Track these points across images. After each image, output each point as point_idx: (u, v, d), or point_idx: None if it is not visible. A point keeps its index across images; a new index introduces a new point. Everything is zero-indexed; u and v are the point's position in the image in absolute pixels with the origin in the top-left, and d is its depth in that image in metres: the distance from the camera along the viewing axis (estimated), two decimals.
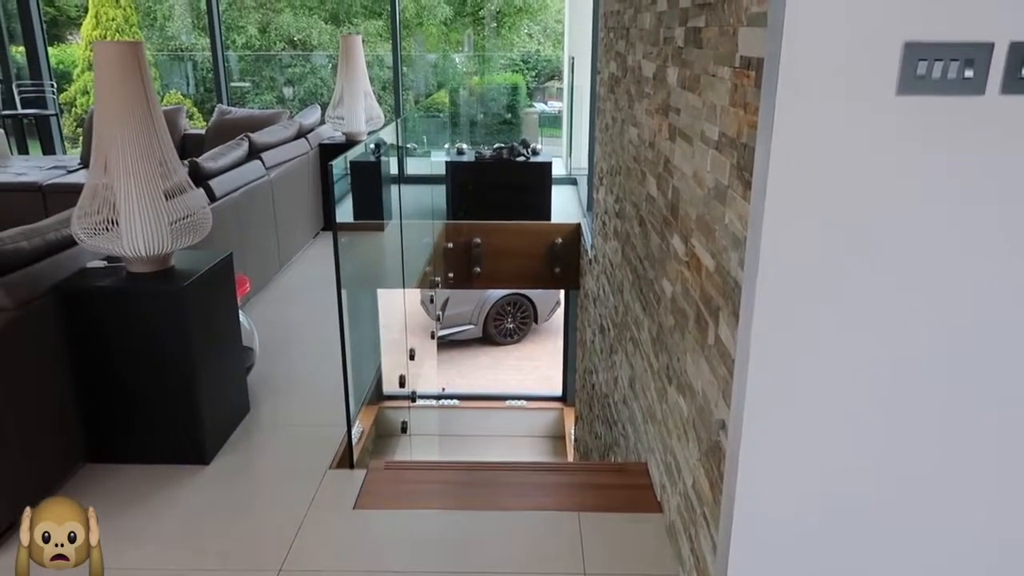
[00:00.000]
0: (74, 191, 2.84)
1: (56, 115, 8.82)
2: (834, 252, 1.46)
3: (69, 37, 14.42)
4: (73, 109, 12.41)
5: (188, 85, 13.23)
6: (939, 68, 1.36)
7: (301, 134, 6.15)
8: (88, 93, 12.27)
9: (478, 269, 6.17)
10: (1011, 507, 1.64)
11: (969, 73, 1.36)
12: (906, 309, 1.49)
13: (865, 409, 1.56)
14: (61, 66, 12.74)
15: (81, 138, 7.92)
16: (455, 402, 7.71)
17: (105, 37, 11.74)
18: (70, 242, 2.85)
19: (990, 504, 1.63)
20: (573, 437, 6.47)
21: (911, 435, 1.58)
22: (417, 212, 6.10)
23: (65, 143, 9.23)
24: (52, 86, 8.76)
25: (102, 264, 2.92)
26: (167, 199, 2.82)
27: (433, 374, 7.33)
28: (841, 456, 1.60)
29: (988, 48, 1.34)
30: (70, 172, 6.38)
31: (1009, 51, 1.34)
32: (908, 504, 1.63)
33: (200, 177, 4.19)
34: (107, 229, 2.77)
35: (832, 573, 1.70)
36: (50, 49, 9.32)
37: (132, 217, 2.73)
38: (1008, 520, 1.65)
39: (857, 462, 1.60)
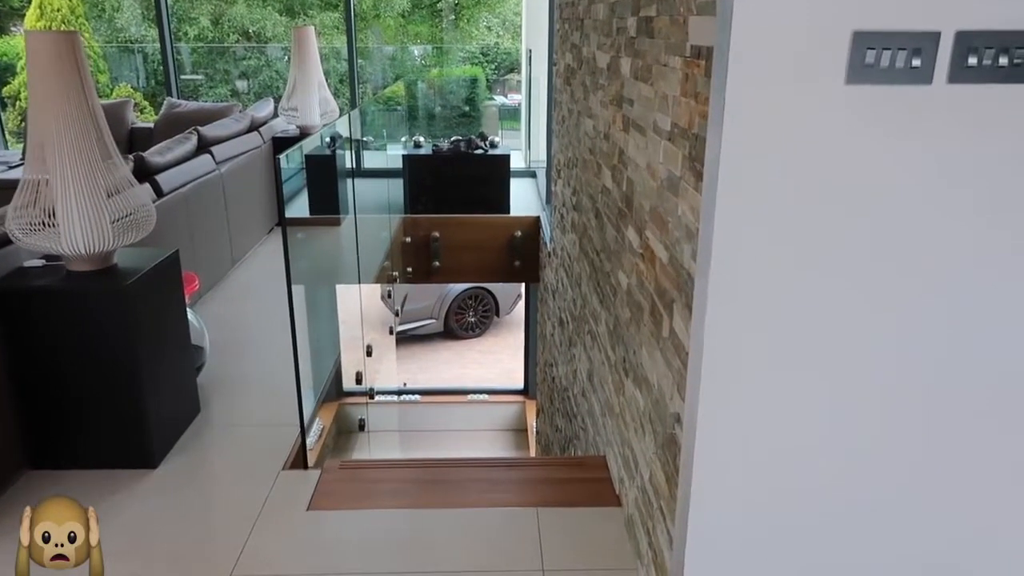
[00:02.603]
0: (15, 187, 2.73)
1: None
2: (786, 242, 1.45)
3: (12, 28, 13.94)
4: (17, 103, 12.00)
5: (138, 78, 12.89)
6: (887, 57, 1.35)
7: (253, 127, 6.03)
8: None
9: (437, 263, 6.12)
10: (975, 504, 1.65)
11: (916, 62, 1.35)
12: (859, 298, 1.48)
13: (820, 402, 1.56)
14: (5, 58, 12.32)
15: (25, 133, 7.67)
16: (416, 398, 7.65)
17: (51, 29, 11.36)
18: (5, 240, 2.73)
19: (949, 496, 1.64)
20: (535, 430, 6.46)
21: (868, 427, 1.58)
22: (374, 206, 6.02)
23: (9, 137, 8.93)
24: None
25: (40, 263, 2.81)
26: (109, 196, 2.72)
27: (393, 369, 7.25)
28: (796, 449, 1.59)
29: (935, 37, 1.34)
30: (11, 168, 6.17)
31: (955, 40, 1.34)
32: (864, 496, 1.63)
33: (147, 172, 4.07)
34: (44, 226, 2.66)
35: (788, 566, 1.70)
36: None
37: (70, 214, 2.63)
38: (971, 517, 1.66)
39: (813, 455, 1.60)
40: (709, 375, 1.55)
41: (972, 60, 1.35)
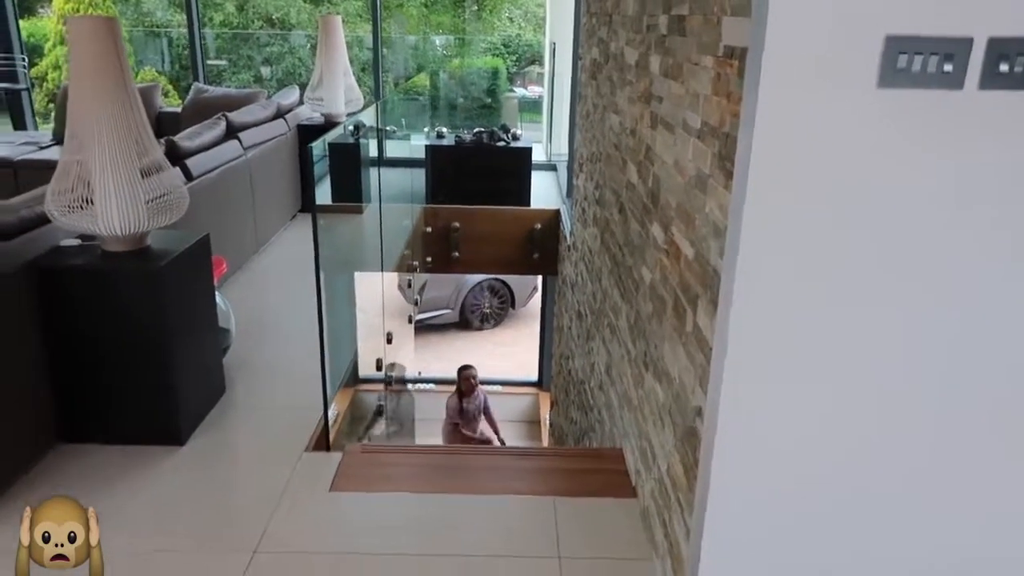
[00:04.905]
0: (46, 167, 2.80)
1: (27, 90, 8.63)
2: (814, 242, 1.48)
3: (40, 10, 14.08)
4: (45, 84, 12.15)
5: (163, 62, 12.99)
6: (919, 62, 1.37)
7: (279, 114, 6.09)
8: (60, 67, 12.03)
9: (456, 254, 6.17)
10: (993, 496, 1.67)
11: (948, 67, 1.37)
12: (885, 298, 1.51)
13: (841, 398, 1.58)
14: (32, 39, 12.45)
15: (54, 113, 7.78)
16: (431, 386, 7.71)
17: (78, 11, 11.49)
18: (44, 219, 2.80)
19: (963, 494, 1.66)
20: (548, 422, 6.50)
21: (886, 425, 1.60)
22: (396, 195, 6.07)
23: (37, 118, 9.04)
24: (23, 60, 8.57)
25: (76, 242, 2.88)
26: (143, 177, 2.79)
27: (410, 358, 7.31)
28: (815, 443, 1.62)
29: (967, 43, 1.36)
30: (42, 148, 6.27)
31: (987, 47, 1.36)
32: (881, 492, 1.66)
33: (176, 156, 4.13)
34: (82, 207, 2.72)
35: (805, 559, 1.73)
36: (21, 22, 9.11)
37: (107, 195, 2.69)
38: (988, 509, 1.68)
39: (832, 449, 1.63)
40: (732, 370, 1.58)
41: (1003, 67, 1.37)
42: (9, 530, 1.75)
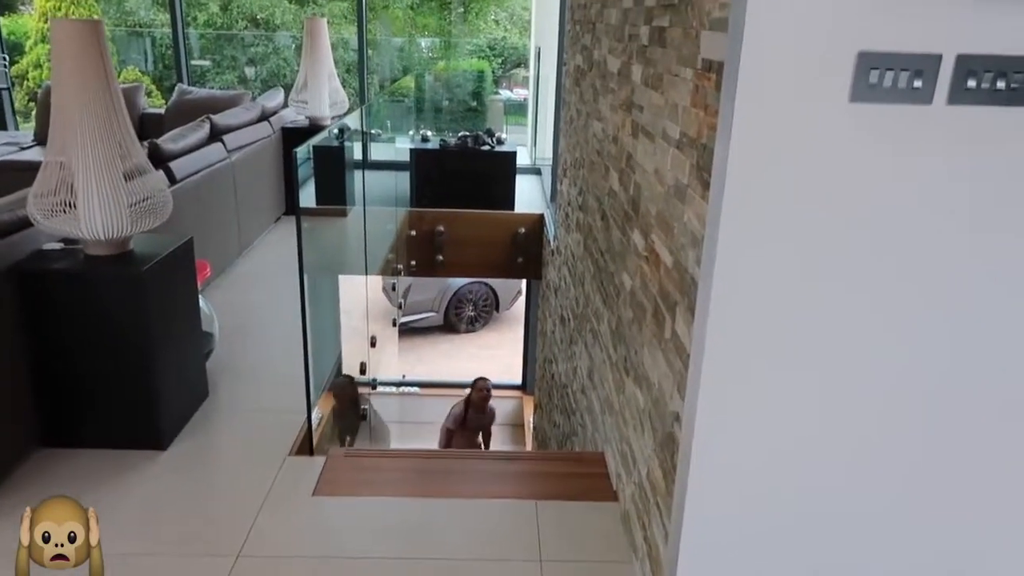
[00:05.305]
0: (28, 168, 2.80)
1: (8, 89, 8.55)
2: (789, 251, 1.51)
3: (21, 7, 13.96)
4: (25, 83, 12.04)
5: (146, 62, 12.90)
6: (890, 77, 1.41)
7: (264, 117, 6.08)
8: (41, 66, 11.93)
9: (441, 257, 6.18)
10: (973, 510, 1.70)
11: (918, 83, 1.41)
12: (858, 306, 1.54)
13: (816, 405, 1.62)
14: (13, 37, 12.33)
15: (35, 113, 7.72)
16: (416, 389, 7.71)
17: (59, 8, 11.40)
18: (26, 223, 2.79)
19: (947, 500, 1.69)
20: (532, 426, 6.52)
21: (862, 431, 1.63)
22: (380, 198, 6.08)
23: (17, 118, 8.96)
24: (4, 59, 8.49)
25: (59, 246, 2.87)
26: (126, 181, 2.79)
27: (394, 361, 7.32)
28: (791, 449, 1.65)
29: (936, 60, 1.40)
30: (23, 149, 6.22)
31: (956, 63, 1.40)
32: (858, 497, 1.69)
33: (160, 159, 4.12)
34: (64, 211, 2.72)
35: (781, 563, 1.76)
36: (1, 20, 9.03)
37: (90, 199, 2.69)
38: (968, 522, 1.71)
39: (808, 456, 1.66)
40: (709, 377, 1.61)
41: (971, 83, 1.41)
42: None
